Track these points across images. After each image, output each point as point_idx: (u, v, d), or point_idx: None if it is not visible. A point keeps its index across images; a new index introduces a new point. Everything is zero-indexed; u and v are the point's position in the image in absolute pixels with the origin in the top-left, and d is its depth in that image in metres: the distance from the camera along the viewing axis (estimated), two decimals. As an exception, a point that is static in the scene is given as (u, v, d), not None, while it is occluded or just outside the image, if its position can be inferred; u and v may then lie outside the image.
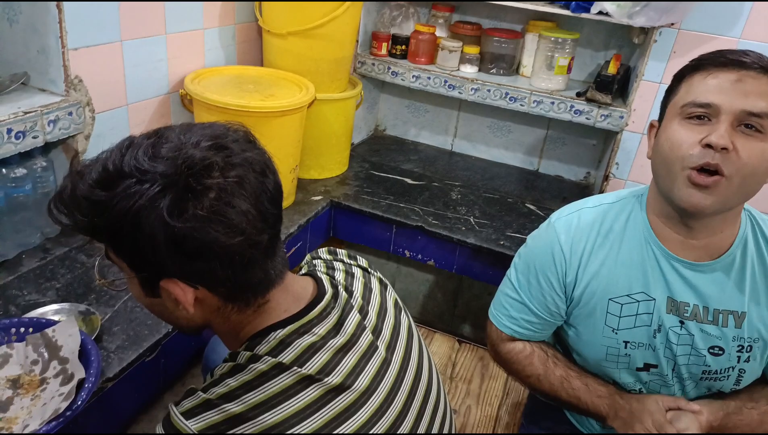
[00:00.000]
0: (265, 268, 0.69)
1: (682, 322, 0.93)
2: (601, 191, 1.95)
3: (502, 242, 1.70)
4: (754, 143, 0.82)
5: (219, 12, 1.72)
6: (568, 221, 0.99)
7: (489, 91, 1.92)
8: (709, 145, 0.81)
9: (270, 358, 0.67)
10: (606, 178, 1.94)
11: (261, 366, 0.66)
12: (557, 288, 1.00)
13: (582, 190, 2.13)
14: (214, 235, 0.62)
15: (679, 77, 0.90)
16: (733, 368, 0.94)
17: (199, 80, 1.59)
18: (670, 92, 0.91)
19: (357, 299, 0.79)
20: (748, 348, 0.92)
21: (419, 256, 1.81)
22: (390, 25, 2.11)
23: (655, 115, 0.97)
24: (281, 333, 0.69)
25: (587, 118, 1.83)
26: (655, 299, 0.93)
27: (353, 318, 0.75)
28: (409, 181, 2.02)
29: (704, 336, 0.92)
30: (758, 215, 0.96)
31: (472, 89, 1.94)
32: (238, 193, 0.63)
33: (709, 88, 0.84)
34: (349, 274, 0.83)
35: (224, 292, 0.68)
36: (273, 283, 0.71)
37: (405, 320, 0.84)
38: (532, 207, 1.96)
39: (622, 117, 1.80)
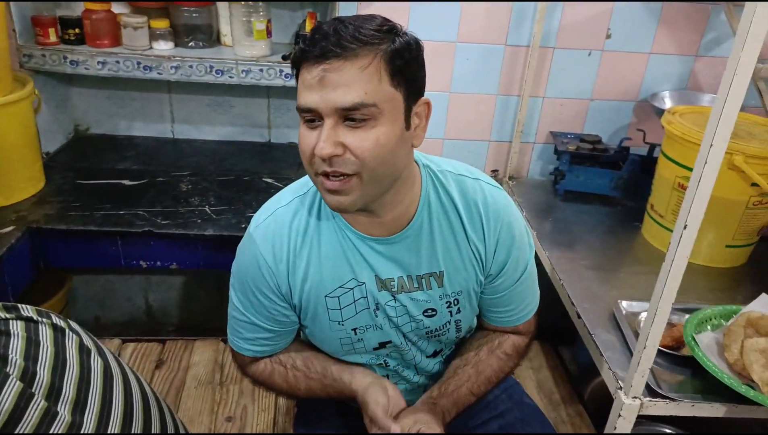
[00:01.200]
0: None
1: (394, 296, 0.94)
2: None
3: (243, 225, 1.60)
4: (363, 134, 0.77)
5: None
6: (266, 228, 0.93)
7: (191, 67, 1.76)
8: None
9: None
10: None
11: None
12: (277, 300, 0.95)
13: (316, 152, 2.12)
14: None
15: (295, 73, 0.81)
16: (449, 322, 0.99)
17: None
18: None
19: (16, 363, 0.62)
20: (455, 301, 0.97)
21: (158, 263, 1.62)
22: (54, 6, 1.78)
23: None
24: None
25: (299, 80, 1.80)
26: (365, 283, 0.93)
27: (11, 389, 0.58)
28: (127, 182, 1.78)
29: (415, 303, 0.95)
30: (437, 166, 0.94)
31: (171, 68, 1.76)
32: None
33: (306, 89, 0.77)
34: (4, 334, 0.65)
35: None
36: None
37: (98, 363, 0.70)
38: (269, 180, 1.88)
39: (331, 73, 1.80)
